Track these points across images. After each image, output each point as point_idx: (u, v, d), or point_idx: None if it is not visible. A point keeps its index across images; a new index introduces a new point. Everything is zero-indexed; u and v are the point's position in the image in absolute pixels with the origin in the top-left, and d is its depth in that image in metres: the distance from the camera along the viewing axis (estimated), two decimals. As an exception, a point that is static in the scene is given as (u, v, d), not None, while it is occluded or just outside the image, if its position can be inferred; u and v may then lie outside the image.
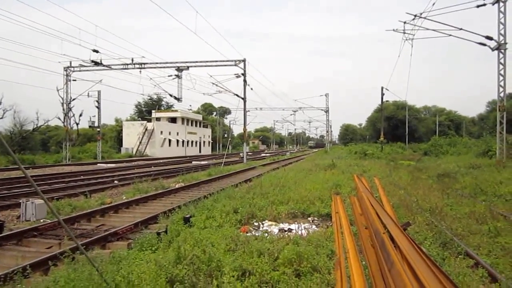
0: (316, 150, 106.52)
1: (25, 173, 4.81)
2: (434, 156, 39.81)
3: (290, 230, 8.70)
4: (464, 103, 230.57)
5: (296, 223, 9.50)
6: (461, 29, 20.51)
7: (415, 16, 19.95)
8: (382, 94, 49.24)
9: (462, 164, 24.01)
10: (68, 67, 41.68)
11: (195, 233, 7.59)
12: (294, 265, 5.65)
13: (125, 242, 8.93)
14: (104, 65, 37.29)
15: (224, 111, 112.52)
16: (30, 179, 4.93)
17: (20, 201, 12.13)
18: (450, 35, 21.60)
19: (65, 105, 43.57)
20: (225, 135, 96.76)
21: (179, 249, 5.79)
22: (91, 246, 8.23)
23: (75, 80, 42.95)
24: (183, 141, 78.13)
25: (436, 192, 13.82)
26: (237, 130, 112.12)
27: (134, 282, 4.93)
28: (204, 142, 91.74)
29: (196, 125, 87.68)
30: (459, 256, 6.63)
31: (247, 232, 8.23)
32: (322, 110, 74.63)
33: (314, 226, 9.22)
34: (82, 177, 24.53)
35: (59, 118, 45.65)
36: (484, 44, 22.82)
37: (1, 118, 51.62)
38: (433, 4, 18.78)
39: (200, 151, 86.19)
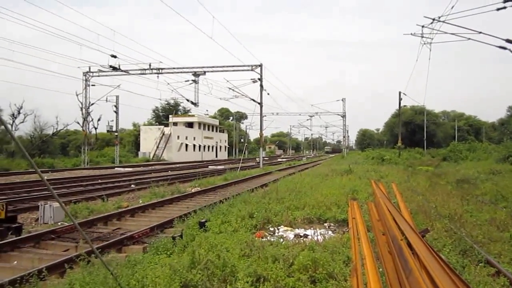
0: (333, 155, 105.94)
1: (41, 176, 4.83)
2: (453, 162, 39.19)
3: (306, 235, 8.61)
4: (484, 108, 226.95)
5: (312, 228, 9.40)
6: (480, 32, 20.10)
7: (433, 19, 19.64)
8: (400, 99, 48.78)
9: (482, 170, 23.60)
10: (87, 72, 42.30)
11: (210, 238, 7.57)
12: (309, 271, 5.56)
13: (141, 246, 8.95)
14: (122, 70, 37.74)
15: (241, 116, 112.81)
16: (46, 182, 4.97)
17: (39, 204, 12.27)
18: (470, 38, 21.21)
19: (84, 109, 44.20)
20: (242, 140, 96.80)
21: (193, 253, 5.76)
22: (107, 249, 8.26)
23: (94, 85, 43.65)
24: (199, 146, 78.52)
25: (455, 198, 13.56)
26: (253, 135, 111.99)
27: (148, 286, 4.92)
28: (220, 147, 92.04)
29: (212, 130, 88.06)
30: (480, 264, 6.47)
31: (262, 237, 8.17)
32: (339, 115, 74.26)
33: (330, 232, 9.12)
34: (99, 180, 24.80)
35: (78, 123, 46.46)
36: (505, 48, 22.35)
37: (22, 122, 52.73)
38: (452, 7, 18.46)
39: (216, 156, 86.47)
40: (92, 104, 44.63)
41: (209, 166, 44.77)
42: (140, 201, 16.05)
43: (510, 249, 7.32)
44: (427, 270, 5.46)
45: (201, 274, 5.11)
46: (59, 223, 11.33)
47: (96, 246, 8.07)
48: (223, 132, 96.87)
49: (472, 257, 6.86)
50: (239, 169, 32.93)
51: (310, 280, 5.41)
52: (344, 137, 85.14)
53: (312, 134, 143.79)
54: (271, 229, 9.37)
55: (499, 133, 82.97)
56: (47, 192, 17.32)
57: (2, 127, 48.02)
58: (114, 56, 34.34)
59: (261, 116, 41.74)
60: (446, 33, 20.44)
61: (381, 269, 6.20)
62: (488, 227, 9.13)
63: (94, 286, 4.96)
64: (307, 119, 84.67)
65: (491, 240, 7.99)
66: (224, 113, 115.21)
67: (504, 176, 19.87)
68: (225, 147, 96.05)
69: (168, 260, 6.15)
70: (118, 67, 36.53)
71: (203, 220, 9.63)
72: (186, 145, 73.47)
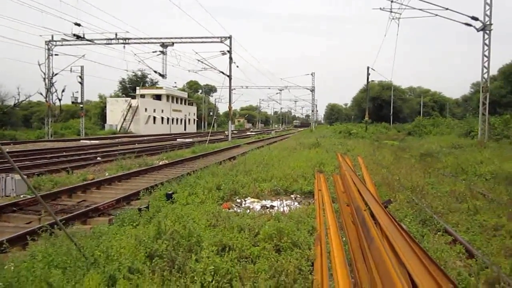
0: (302, 129, 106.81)
1: (0, 148, 4.69)
2: (417, 136, 40.18)
3: (272, 207, 8.72)
4: (449, 85, 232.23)
5: (278, 200, 9.52)
6: (447, 9, 20.49)
7: (402, -6, 19.80)
8: (368, 74, 49.36)
9: (445, 144, 24.30)
10: (49, 41, 40.72)
11: (177, 209, 7.57)
12: (274, 240, 5.66)
13: (107, 218, 8.87)
14: (87, 40, 36.47)
15: (210, 89, 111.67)
16: (6, 154, 4.84)
17: (0, 176, 11.92)
18: (437, 15, 21.57)
19: (47, 80, 42.71)
20: (211, 113, 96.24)
21: (159, 224, 5.75)
22: (72, 221, 8.15)
23: (57, 55, 42.06)
24: (168, 119, 77.59)
25: (418, 171, 13.96)
26: (222, 108, 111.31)
27: (113, 257, 4.89)
28: (189, 120, 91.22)
29: (181, 103, 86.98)
30: (438, 233, 6.74)
31: (229, 209, 8.23)
32: (307, 89, 74.58)
33: (296, 203, 9.27)
34: (64, 153, 24.22)
35: (41, 94, 44.79)
36: (470, 25, 22.86)
37: (-19, 93, 50.62)
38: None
39: (185, 129, 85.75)
40: (56, 74, 43.18)
41: (178, 139, 44.38)
42: (107, 174, 15.81)
43: (467, 219, 7.62)
44: (388, 238, 5.64)
45: (167, 244, 5.11)
46: (22, 196, 11.05)
47: (60, 218, 7.94)
48: (192, 105, 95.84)
49: (431, 226, 7.13)
50: (207, 142, 32.81)
51: (275, 249, 5.50)
52: (312, 111, 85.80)
53: (281, 108, 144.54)
54: (238, 200, 9.44)
55: (462, 109, 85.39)
56: (8, 165, 16.81)
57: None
58: (78, 25, 33.10)
59: (230, 89, 41.41)
60: (414, 8, 20.69)
61: (344, 238, 6.37)
62: (448, 198, 9.46)
63: (57, 257, 4.88)
64: (277, 93, 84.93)
65: (450, 211, 8.30)
66: (192, 86, 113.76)
67: (465, 150, 20.52)
68: (194, 120, 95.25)
69: (134, 231, 6.11)
70: (82, 36, 35.27)
71: (170, 192, 9.61)
72: (154, 117, 72.41)
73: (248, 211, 7.85)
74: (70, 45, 40.49)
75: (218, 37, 38.47)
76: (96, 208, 9.29)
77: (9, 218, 8.92)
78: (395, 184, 10.95)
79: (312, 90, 74.39)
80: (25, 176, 11.22)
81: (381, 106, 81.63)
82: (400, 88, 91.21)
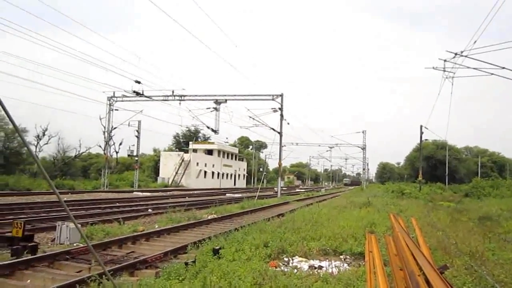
0: (352, 187, 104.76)
1: (58, 197, 4.92)
2: (475, 198, 38.27)
3: (320, 267, 8.44)
4: (508, 145, 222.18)
5: (327, 260, 9.22)
6: (503, 67, 19.99)
7: (456, 54, 19.65)
8: (421, 133, 48.33)
9: (506, 208, 22.95)
10: (111, 97, 43.23)
11: (223, 265, 7.49)
12: (321, 303, 5.43)
13: (153, 270, 8.88)
14: (145, 96, 38.45)
15: (260, 145, 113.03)
16: (63, 203, 5.03)
17: (56, 224, 12.38)
18: (492, 73, 21.08)
19: (106, 133, 44.97)
20: (260, 169, 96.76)
21: (204, 280, 5.69)
22: (119, 272, 8.23)
23: (117, 110, 44.44)
24: (218, 173, 78.70)
25: (476, 235, 13.18)
26: (272, 164, 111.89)
27: (157, 311, 4.86)
28: (239, 175, 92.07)
29: (232, 158, 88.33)
30: (501, 304, 6.23)
31: (276, 267, 8.04)
32: (359, 147, 73.83)
33: (345, 265, 8.92)
34: (117, 204, 24.96)
35: (100, 146, 47.24)
36: (529, 84, 22.12)
37: (46, 143, 53.92)
38: (475, 42, 18.40)
39: (234, 184, 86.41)
40: (115, 128, 45.49)
41: (227, 194, 44.69)
42: (156, 226, 16.04)
43: (534, 291, 7.02)
44: (445, 308, 5.27)
45: (211, 301, 5.03)
46: (75, 244, 11.37)
47: (109, 269, 8.05)
48: (242, 160, 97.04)
49: (493, 297, 6.61)
50: (256, 198, 32.75)
51: (323, 312, 5.27)
52: (363, 169, 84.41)
53: (331, 166, 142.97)
54: (286, 259, 9.22)
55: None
56: (64, 213, 17.48)
57: (30, 148, 49.18)
58: (138, 82, 35.12)
59: (280, 146, 41.74)
60: (468, 67, 20.37)
61: (397, 305, 6.01)
62: (511, 266, 8.80)
63: (104, 308, 4.92)
64: (327, 150, 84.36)
65: (514, 280, 7.69)
66: (243, 142, 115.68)
67: (529, 214, 19.29)
68: (244, 175, 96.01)
69: (180, 285, 6.08)
70: (141, 93, 37.26)
71: (217, 247, 9.55)
72: (205, 172, 73.71)
73: (296, 270, 7.63)
74: (129, 101, 42.78)
75: (270, 95, 39.40)
76: (144, 260, 9.36)
77: (61, 266, 9.15)
78: (452, 249, 10.35)
79: (363, 148, 73.56)
80: (79, 225, 11.64)
81: (435, 166, 79.09)
82: (455, 148, 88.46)
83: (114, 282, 5.22)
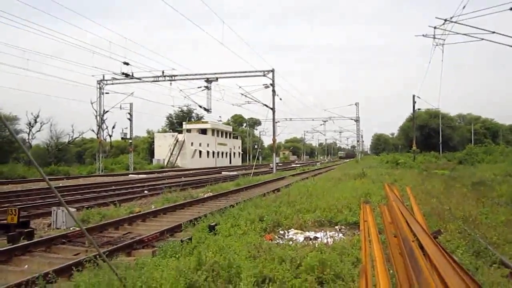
0: (347, 160, 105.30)
1: (48, 183, 4.94)
2: (469, 165, 38.56)
3: (316, 238, 8.51)
4: (501, 111, 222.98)
5: (322, 231, 9.29)
6: (493, 32, 19.83)
7: (445, 20, 19.43)
8: (414, 103, 48.31)
9: (499, 172, 23.17)
10: (101, 80, 42.78)
11: (219, 241, 7.53)
12: (316, 272, 5.46)
13: (150, 249, 8.94)
14: (135, 78, 38.05)
15: (254, 122, 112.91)
16: (53, 188, 5.04)
17: (52, 209, 12.38)
18: (483, 39, 20.94)
19: (98, 117, 44.69)
20: (255, 146, 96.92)
21: (199, 255, 5.72)
22: (116, 253, 8.27)
23: (107, 93, 44.07)
24: (213, 152, 78.76)
25: (470, 200, 13.29)
26: (267, 141, 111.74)
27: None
28: (234, 153, 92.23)
29: (226, 136, 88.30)
30: (494, 265, 6.29)
31: (271, 240, 8.10)
32: (352, 119, 73.85)
33: (340, 235, 9.00)
34: (113, 187, 24.96)
35: (93, 131, 47.00)
36: (520, 48, 21.99)
37: (39, 131, 53.54)
38: (464, 7, 18.18)
39: (230, 162, 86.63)
40: (107, 112, 45.13)
41: (223, 172, 44.81)
42: (153, 207, 16.08)
43: (526, 250, 7.11)
44: (438, 271, 5.33)
45: (206, 275, 5.06)
46: (71, 228, 11.38)
47: (105, 250, 8.09)
48: (237, 138, 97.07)
49: (486, 258, 6.68)
50: (252, 175, 32.88)
51: (317, 281, 5.31)
52: (358, 141, 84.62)
53: (326, 140, 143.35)
54: (281, 232, 9.30)
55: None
56: (62, 199, 17.49)
57: (22, 135, 48.82)
58: (127, 63, 34.67)
59: (274, 122, 41.70)
60: (458, 33, 20.22)
61: (391, 271, 6.08)
62: (504, 228, 8.89)
63: (99, 287, 4.94)
64: (321, 124, 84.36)
65: (507, 242, 7.78)
66: (237, 120, 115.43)
67: (521, 178, 19.49)
68: (239, 153, 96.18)
69: (176, 262, 6.10)
70: (131, 75, 36.85)
71: (212, 224, 9.61)
72: (200, 151, 73.73)
73: (291, 242, 7.68)
74: (120, 83, 42.39)
75: (261, 71, 39.10)
76: (141, 240, 9.41)
77: (59, 250, 9.19)
78: (446, 214, 10.44)
79: (357, 120, 73.60)
80: (71, 209, 11.66)
81: (429, 134, 79.27)
82: (448, 116, 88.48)
83: (109, 262, 5.23)
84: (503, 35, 19.32)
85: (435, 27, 20.68)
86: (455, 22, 18.68)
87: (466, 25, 19.35)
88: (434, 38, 21.53)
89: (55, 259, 8.20)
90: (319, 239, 8.20)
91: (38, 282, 5.70)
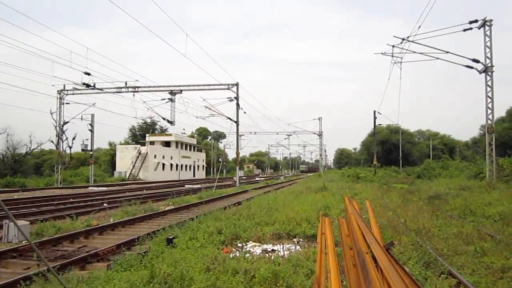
0: (311, 174, 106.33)
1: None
2: (426, 179, 39.70)
3: (273, 250, 8.56)
4: (457, 127, 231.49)
5: (280, 244, 9.35)
6: (447, 52, 20.76)
7: (403, 39, 20.21)
8: (375, 118, 49.52)
9: (453, 186, 23.94)
10: (61, 90, 41.75)
11: (175, 254, 7.47)
12: (269, 284, 5.51)
13: (105, 263, 8.74)
14: (97, 88, 37.39)
15: (219, 135, 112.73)
16: (0, 202, 4.86)
17: (3, 222, 11.93)
18: (438, 58, 21.88)
19: (58, 128, 43.45)
20: (219, 159, 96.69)
21: (152, 267, 5.65)
22: (69, 267, 8.04)
23: (68, 103, 42.96)
24: (176, 165, 77.93)
25: (425, 213, 13.70)
26: (231, 154, 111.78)
27: (103, 302, 4.79)
28: (198, 166, 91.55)
29: (190, 149, 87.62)
30: (442, 275, 6.51)
31: (229, 253, 8.09)
32: (315, 134, 74.84)
33: (298, 247, 9.08)
34: (71, 200, 24.27)
35: (52, 142, 45.58)
36: (471, 67, 23.10)
37: (-6, 141, 51.56)
38: (419, 27, 18.98)
39: (194, 175, 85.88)
40: (67, 122, 43.93)
41: (186, 185, 44.34)
42: (111, 220, 15.73)
43: (473, 261, 7.39)
44: (388, 281, 5.48)
45: (159, 287, 5.01)
46: (24, 242, 10.99)
47: (58, 264, 7.88)
48: (201, 151, 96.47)
49: (435, 269, 6.90)
50: (214, 188, 32.73)
51: (271, 292, 5.35)
52: (320, 155, 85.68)
53: (290, 154, 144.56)
54: (239, 244, 9.30)
55: (472, 151, 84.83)
56: (16, 211, 16.90)
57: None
58: (88, 74, 34.06)
59: (237, 135, 41.76)
60: (414, 52, 21.03)
61: (345, 282, 6.19)
62: (454, 240, 9.22)
63: (47, 302, 4.80)
64: (285, 138, 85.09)
65: (456, 253, 8.07)
66: (202, 132, 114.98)
67: (474, 191, 20.18)
68: (203, 166, 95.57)
69: (129, 275, 6.01)
70: (92, 85, 36.19)
71: (170, 237, 9.53)
72: (163, 164, 72.80)
73: (248, 255, 7.70)
74: (81, 93, 41.47)
75: (225, 84, 39.20)
76: (96, 254, 9.19)
77: (8, 264, 8.85)
78: (401, 227, 10.74)
79: (320, 135, 74.65)
80: (24, 223, 11.30)
81: (390, 149, 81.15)
82: (408, 132, 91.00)
83: (57, 276, 5.10)
84: (456, 54, 20.22)
85: (393, 46, 21.42)
86: (411, 41, 19.40)
87: (423, 45, 20.16)
88: (392, 56, 22.29)
89: (3, 274, 7.89)
90: (277, 252, 8.24)
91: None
